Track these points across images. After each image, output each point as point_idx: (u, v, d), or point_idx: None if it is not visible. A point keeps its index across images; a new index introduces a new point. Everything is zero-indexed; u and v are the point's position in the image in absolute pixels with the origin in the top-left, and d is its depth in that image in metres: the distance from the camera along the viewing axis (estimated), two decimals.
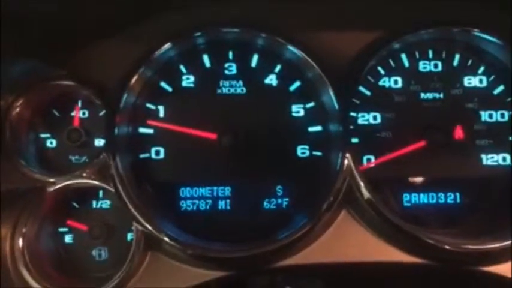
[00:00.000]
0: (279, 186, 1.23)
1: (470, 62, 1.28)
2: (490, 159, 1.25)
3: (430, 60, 1.27)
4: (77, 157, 1.25)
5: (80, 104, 1.26)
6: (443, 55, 1.27)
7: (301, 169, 1.23)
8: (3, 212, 1.13)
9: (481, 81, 1.27)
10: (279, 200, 1.23)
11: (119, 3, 1.11)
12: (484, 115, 1.26)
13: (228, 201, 1.23)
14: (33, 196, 1.17)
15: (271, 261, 1.14)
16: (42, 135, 1.25)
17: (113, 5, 1.11)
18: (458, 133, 1.24)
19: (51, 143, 1.25)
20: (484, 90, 1.27)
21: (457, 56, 1.28)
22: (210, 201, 1.22)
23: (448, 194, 1.25)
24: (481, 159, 1.25)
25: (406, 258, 1.14)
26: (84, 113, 1.26)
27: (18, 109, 1.19)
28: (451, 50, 1.27)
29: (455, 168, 1.25)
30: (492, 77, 1.27)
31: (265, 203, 1.23)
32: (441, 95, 1.26)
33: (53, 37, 1.12)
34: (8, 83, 1.15)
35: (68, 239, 1.24)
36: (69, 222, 1.24)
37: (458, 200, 1.25)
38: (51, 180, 1.17)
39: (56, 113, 1.26)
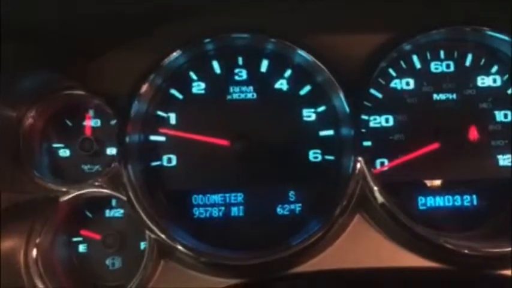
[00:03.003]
0: (292, 192, 1.22)
1: (482, 61, 1.26)
2: (506, 160, 1.23)
3: (442, 60, 1.26)
4: (89, 166, 1.25)
5: (91, 114, 1.26)
6: (455, 55, 1.26)
7: (314, 174, 1.22)
8: (17, 222, 1.14)
9: (494, 80, 1.25)
10: (292, 206, 1.22)
11: (129, 14, 1.12)
12: (499, 115, 1.24)
13: (241, 207, 1.22)
14: (47, 206, 1.17)
15: (285, 268, 1.13)
16: (55, 145, 1.26)
17: (123, 15, 1.12)
18: (473, 134, 1.22)
19: (64, 152, 1.26)
20: (497, 90, 1.25)
21: (470, 56, 1.26)
22: (222, 208, 1.22)
23: (464, 196, 1.23)
24: (497, 160, 1.23)
25: (423, 263, 1.12)
26: (96, 122, 1.27)
27: (31, 119, 1.20)
28: (463, 49, 1.26)
29: (471, 169, 1.23)
30: (506, 76, 1.25)
31: (278, 209, 1.22)
32: (454, 96, 1.24)
33: (64, 48, 1.13)
34: (21, 94, 1.16)
35: (81, 248, 1.24)
36: (82, 231, 1.24)
37: (475, 203, 1.23)
38: (64, 189, 1.17)
39: (68, 122, 1.27)
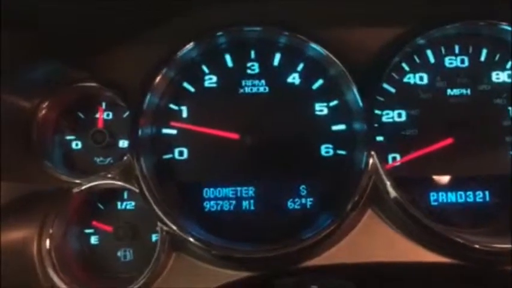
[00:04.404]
0: (303, 186, 1.22)
1: (497, 56, 1.24)
2: None
3: (456, 55, 1.24)
4: (101, 159, 1.26)
5: (104, 106, 1.27)
6: (470, 50, 1.24)
7: (325, 168, 1.22)
8: (30, 212, 1.15)
9: (509, 76, 1.24)
10: (303, 200, 1.22)
11: (142, 6, 1.12)
12: None
13: (251, 201, 1.22)
14: (60, 197, 1.18)
15: (296, 262, 1.13)
16: (68, 137, 1.27)
17: (136, 7, 1.12)
18: (486, 130, 1.21)
19: (76, 144, 1.27)
20: None
21: (484, 51, 1.24)
22: (233, 201, 1.22)
23: (477, 192, 1.22)
24: (510, 156, 1.22)
25: (434, 258, 1.12)
26: (108, 115, 1.27)
27: (44, 111, 1.21)
28: (478, 44, 1.24)
29: (484, 165, 1.22)
30: None
31: (289, 203, 1.22)
32: (468, 91, 1.23)
33: (77, 40, 1.13)
34: (34, 86, 1.17)
35: (93, 240, 1.25)
36: (94, 223, 1.25)
37: (487, 199, 1.22)
38: (77, 181, 1.18)
39: (80, 115, 1.28)
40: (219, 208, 1.22)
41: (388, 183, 1.11)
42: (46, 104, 1.21)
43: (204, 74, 1.24)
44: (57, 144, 1.26)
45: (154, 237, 1.22)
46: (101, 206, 1.26)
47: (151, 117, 1.21)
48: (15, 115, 1.16)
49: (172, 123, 1.22)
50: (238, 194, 1.22)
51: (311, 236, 1.09)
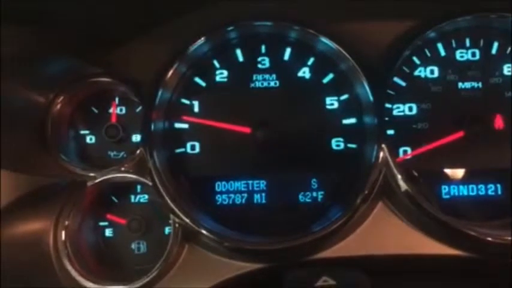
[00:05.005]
0: (314, 179, 1.23)
1: (509, 49, 1.24)
2: None
3: (467, 48, 1.24)
4: (115, 153, 1.28)
5: (117, 101, 1.29)
6: (481, 43, 1.24)
7: (336, 162, 1.22)
8: (47, 204, 1.17)
9: None
10: (314, 193, 1.23)
11: (153, 2, 1.14)
12: None
13: (263, 194, 1.23)
14: (75, 190, 1.20)
15: (308, 254, 1.14)
16: (82, 132, 1.29)
17: (148, 3, 1.13)
18: (498, 123, 1.21)
19: (90, 139, 1.29)
20: None
21: (496, 44, 1.24)
22: (245, 195, 1.23)
23: (489, 185, 1.22)
24: None
25: (446, 251, 1.12)
26: (121, 110, 1.29)
27: (59, 106, 1.23)
28: (489, 37, 1.24)
29: (496, 159, 1.21)
30: None
31: (300, 197, 1.22)
32: (479, 84, 1.23)
33: (90, 35, 1.15)
34: (49, 80, 1.19)
35: (108, 232, 1.27)
36: (108, 216, 1.27)
37: (499, 192, 1.21)
38: (91, 174, 1.20)
39: (94, 109, 1.30)
40: (231, 201, 1.23)
41: (399, 176, 1.11)
42: (61, 99, 1.24)
43: (215, 68, 1.25)
44: (71, 139, 1.28)
45: (167, 230, 1.24)
46: (115, 199, 1.28)
47: (163, 111, 1.22)
48: (31, 110, 1.19)
49: (184, 118, 1.24)
50: (250, 188, 1.23)
51: (322, 229, 1.10)
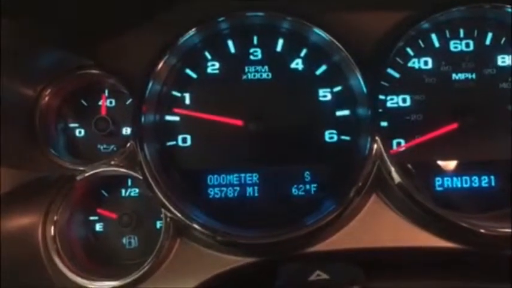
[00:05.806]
0: (307, 172, 1.22)
1: (503, 40, 1.23)
2: None
3: (461, 39, 1.23)
4: (105, 146, 1.27)
5: (106, 93, 1.27)
6: (475, 34, 1.23)
7: (329, 154, 1.22)
8: (35, 199, 1.16)
9: None
10: (307, 186, 1.22)
11: None
12: None
13: (256, 188, 1.22)
14: (64, 184, 1.18)
15: (301, 247, 1.13)
16: (71, 125, 1.27)
17: None
18: (492, 114, 1.20)
19: (79, 132, 1.27)
20: None
21: (490, 35, 1.23)
22: (238, 188, 1.22)
23: (482, 177, 1.21)
24: None
25: (439, 243, 1.12)
26: (111, 102, 1.27)
27: (47, 98, 1.21)
28: (483, 28, 1.23)
29: (489, 150, 1.21)
30: None
31: (293, 189, 1.21)
32: (473, 76, 1.22)
33: (79, 27, 1.13)
34: (36, 73, 1.17)
35: (98, 227, 1.26)
36: (99, 210, 1.26)
37: (493, 184, 1.21)
38: (81, 168, 1.18)
39: (83, 102, 1.28)
40: (223, 195, 1.22)
41: (392, 168, 1.11)
42: (49, 91, 1.21)
43: (207, 60, 1.23)
44: (60, 132, 1.26)
45: (158, 224, 1.23)
46: (105, 194, 1.27)
47: (154, 104, 1.20)
48: (18, 102, 1.16)
49: (176, 110, 1.22)
50: (243, 181, 1.22)
51: (315, 222, 1.09)
